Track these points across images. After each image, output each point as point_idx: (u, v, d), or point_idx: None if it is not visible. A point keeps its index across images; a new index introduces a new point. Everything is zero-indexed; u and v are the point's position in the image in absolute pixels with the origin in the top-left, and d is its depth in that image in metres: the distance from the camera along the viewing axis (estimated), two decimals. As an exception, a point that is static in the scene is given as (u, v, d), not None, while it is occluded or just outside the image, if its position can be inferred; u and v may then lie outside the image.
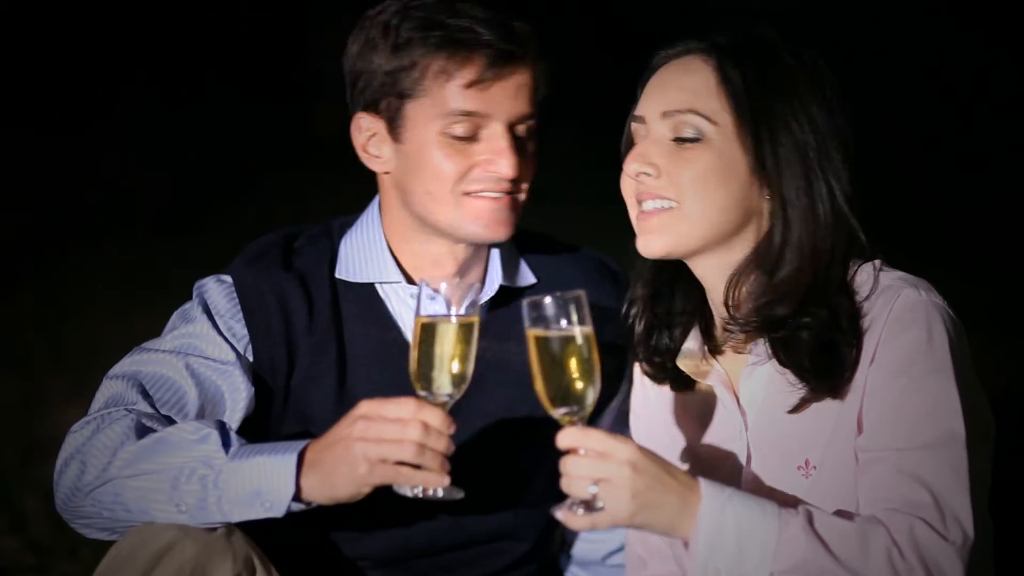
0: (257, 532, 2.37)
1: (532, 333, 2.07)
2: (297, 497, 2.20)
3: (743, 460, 2.26)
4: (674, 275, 2.34)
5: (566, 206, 6.08)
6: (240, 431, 2.36)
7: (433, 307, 2.17)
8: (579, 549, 2.74)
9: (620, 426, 2.55)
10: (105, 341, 5.09)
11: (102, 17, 10.76)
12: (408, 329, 2.51)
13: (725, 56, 2.23)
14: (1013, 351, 5.28)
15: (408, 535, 2.53)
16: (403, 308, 2.53)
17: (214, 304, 2.50)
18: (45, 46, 10.64)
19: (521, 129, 2.47)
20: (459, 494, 2.17)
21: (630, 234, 2.29)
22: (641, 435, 2.43)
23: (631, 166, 2.24)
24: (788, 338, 2.18)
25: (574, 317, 2.06)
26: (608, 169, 2.48)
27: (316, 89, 9.86)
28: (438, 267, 2.52)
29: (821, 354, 2.16)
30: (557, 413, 2.07)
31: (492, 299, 2.56)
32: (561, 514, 2.02)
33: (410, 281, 2.53)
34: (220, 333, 2.47)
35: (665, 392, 2.38)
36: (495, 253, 2.59)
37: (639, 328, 2.35)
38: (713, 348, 2.33)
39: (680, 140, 2.22)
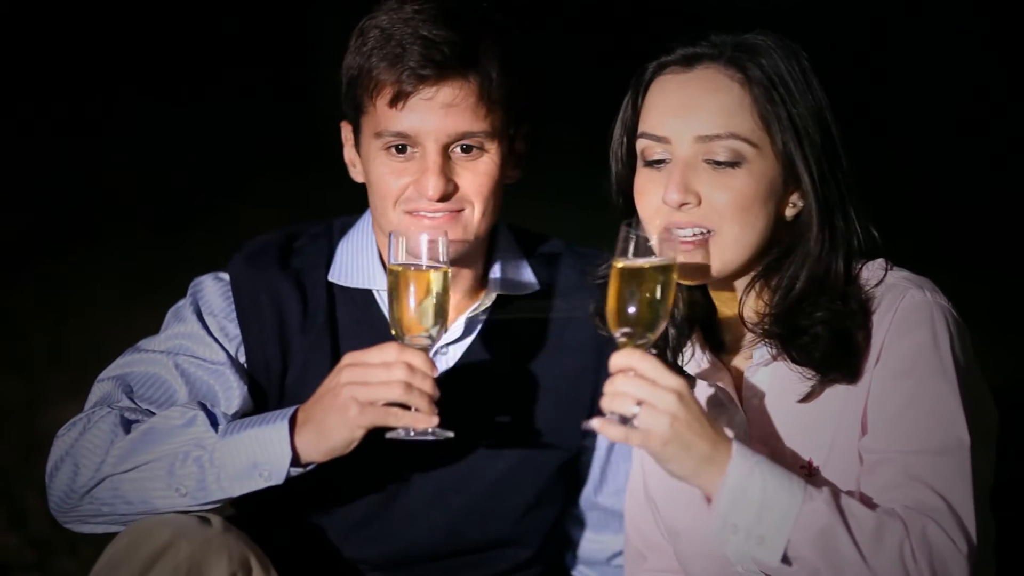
0: (257, 532, 2.37)
1: (618, 262, 2.09)
2: (295, 462, 2.23)
3: (744, 460, 2.25)
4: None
5: (566, 206, 6.07)
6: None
7: (406, 257, 2.23)
8: (585, 549, 2.73)
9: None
10: (105, 341, 5.08)
11: (102, 17, 10.77)
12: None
13: (748, 68, 2.18)
14: (1013, 351, 5.28)
15: (408, 542, 2.52)
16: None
17: (208, 303, 2.50)
18: (45, 46, 10.65)
19: (463, 146, 2.39)
20: (449, 434, 2.21)
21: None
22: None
23: (672, 196, 2.16)
24: (806, 340, 2.17)
25: (656, 253, 2.08)
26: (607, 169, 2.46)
27: (316, 89, 9.85)
28: None
29: (836, 345, 2.15)
30: (617, 333, 2.08)
31: (492, 308, 2.54)
32: (597, 422, 2.03)
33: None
34: (211, 334, 2.47)
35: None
36: (496, 260, 2.57)
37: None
38: (716, 349, 2.33)
39: (716, 163, 2.17)
